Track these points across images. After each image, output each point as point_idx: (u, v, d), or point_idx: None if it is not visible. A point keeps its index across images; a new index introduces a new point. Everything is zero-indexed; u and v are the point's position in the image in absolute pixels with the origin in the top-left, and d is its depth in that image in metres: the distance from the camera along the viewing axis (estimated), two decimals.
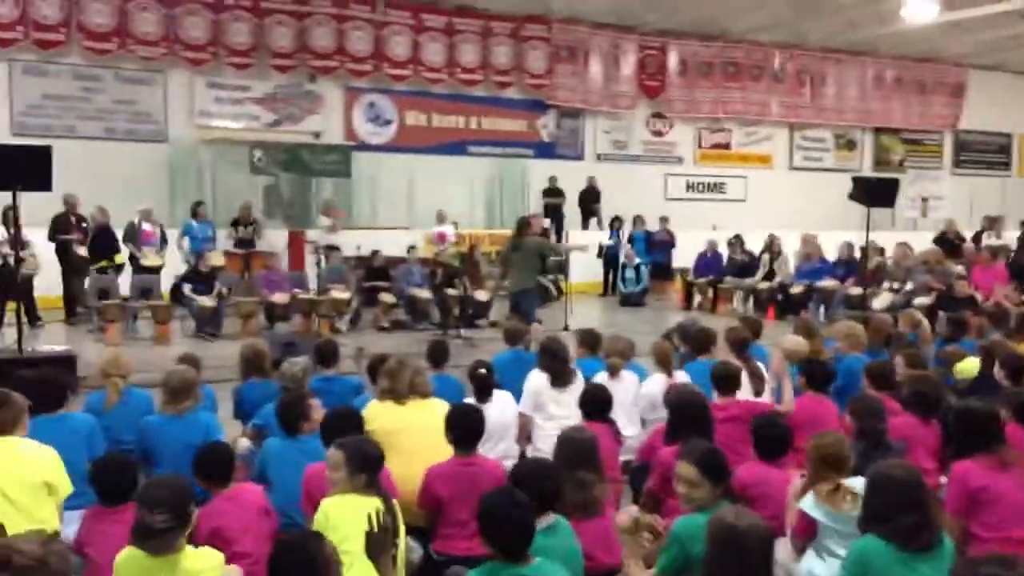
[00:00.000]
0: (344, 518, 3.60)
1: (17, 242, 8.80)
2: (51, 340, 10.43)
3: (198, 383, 5.41)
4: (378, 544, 3.41)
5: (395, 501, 3.91)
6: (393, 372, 5.35)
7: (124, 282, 12.21)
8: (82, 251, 12.11)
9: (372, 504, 3.67)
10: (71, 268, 12.19)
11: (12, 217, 8.75)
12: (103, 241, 12.30)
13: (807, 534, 3.92)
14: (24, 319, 9.32)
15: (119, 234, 12.62)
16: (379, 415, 5.19)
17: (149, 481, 3.58)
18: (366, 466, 3.77)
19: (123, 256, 12.31)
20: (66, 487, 4.25)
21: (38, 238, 11.94)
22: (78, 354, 8.12)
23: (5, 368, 6.56)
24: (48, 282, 12.16)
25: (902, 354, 6.39)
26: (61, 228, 12.18)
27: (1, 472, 4.02)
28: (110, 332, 10.98)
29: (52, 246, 12.20)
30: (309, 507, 4.19)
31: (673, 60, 19.86)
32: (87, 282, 12.04)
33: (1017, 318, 8.07)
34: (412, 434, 5.03)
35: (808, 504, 3.91)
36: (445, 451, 4.67)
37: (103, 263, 12.14)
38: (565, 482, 4.14)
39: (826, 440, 4.08)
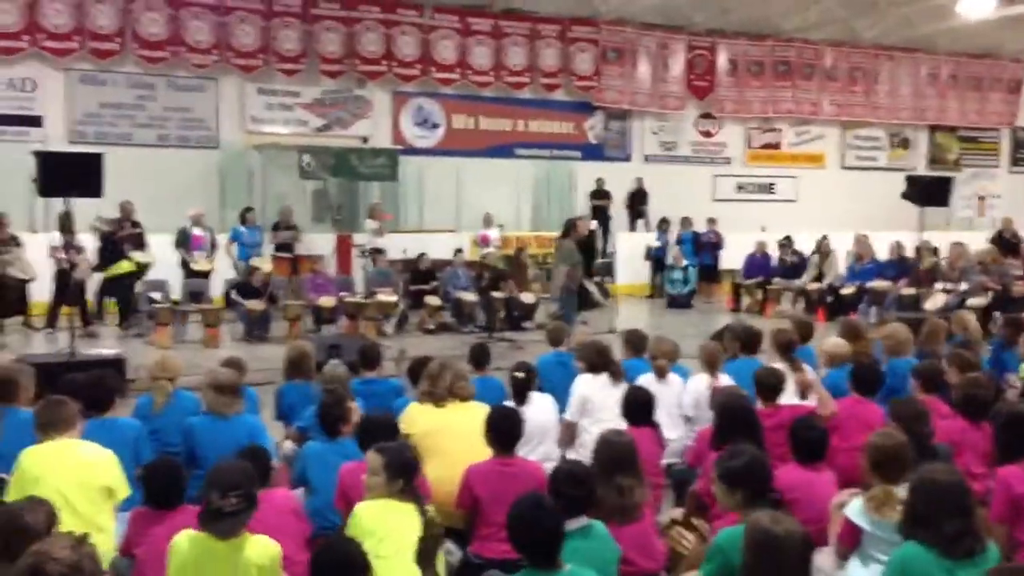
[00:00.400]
0: (379, 523, 3.61)
1: (71, 247, 8.98)
2: (102, 344, 10.63)
3: (241, 385, 5.47)
4: (428, 552, 3.43)
5: (429, 507, 3.91)
6: (434, 375, 5.38)
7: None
8: (136, 256, 12.33)
9: (407, 510, 3.69)
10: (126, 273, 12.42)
11: (66, 223, 8.95)
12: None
13: (852, 543, 3.84)
14: (76, 323, 9.55)
15: (171, 239, 12.85)
16: (418, 417, 5.23)
17: (217, 466, 3.65)
18: (403, 472, 3.79)
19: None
20: (124, 490, 4.29)
21: (92, 244, 12.21)
22: (128, 357, 8.27)
23: (55, 371, 6.69)
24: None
25: (953, 356, 6.24)
26: (115, 234, 12.38)
27: (61, 475, 4.03)
28: (161, 336, 11.18)
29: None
30: (342, 505, 4.22)
31: (722, 60, 19.66)
32: (139, 287, 12.26)
33: None
34: (450, 436, 5.04)
35: (853, 511, 3.83)
36: (483, 453, 4.67)
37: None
38: (602, 486, 4.12)
39: (887, 442, 3.97)
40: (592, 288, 10.67)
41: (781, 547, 3.06)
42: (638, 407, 5.30)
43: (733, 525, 3.62)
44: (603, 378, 5.99)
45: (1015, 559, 3.87)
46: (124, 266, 12.09)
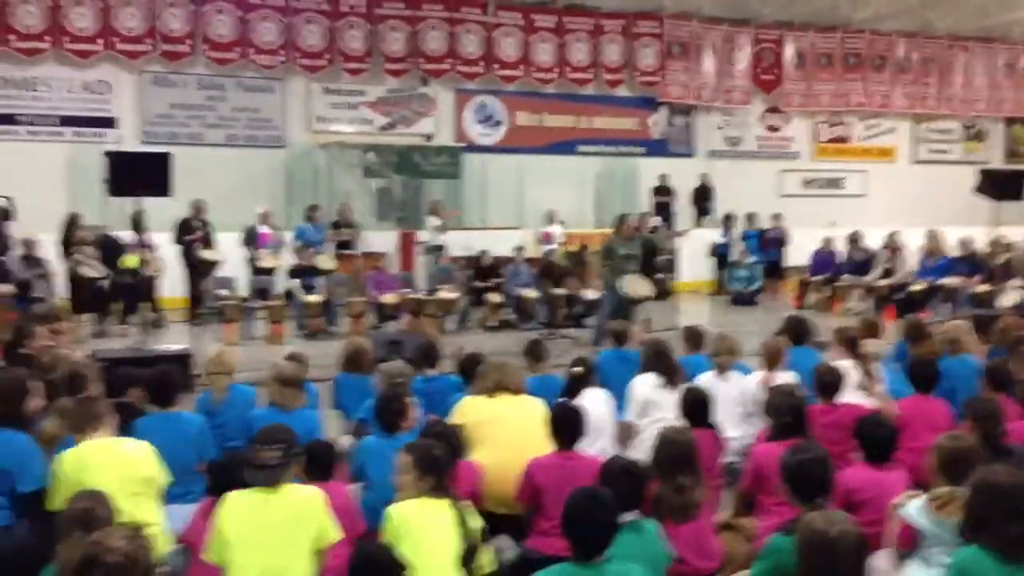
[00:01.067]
0: (414, 524, 3.64)
1: (143, 246, 9.21)
2: (173, 339, 10.90)
3: (303, 380, 5.57)
4: (470, 556, 3.48)
5: (466, 504, 3.94)
6: (485, 371, 5.51)
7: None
8: (205, 254, 12.62)
9: (441, 507, 3.72)
10: (194, 270, 12.72)
11: (139, 221, 9.18)
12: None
13: (910, 544, 3.75)
14: (147, 319, 9.78)
15: (239, 237, 13.11)
16: (469, 408, 5.33)
17: (262, 428, 3.95)
18: (433, 468, 3.82)
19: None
20: (163, 478, 4.41)
21: (164, 242, 12.52)
22: (195, 353, 8.46)
23: (123, 366, 6.88)
24: (174, 283, 12.75)
25: (1021, 355, 6.07)
26: (185, 232, 12.70)
27: (103, 474, 4.12)
28: (228, 331, 11.42)
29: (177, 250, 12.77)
30: None
31: (789, 52, 19.33)
32: (208, 284, 12.55)
33: None
34: (500, 425, 5.13)
35: (913, 511, 3.75)
36: (533, 443, 4.73)
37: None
38: (662, 484, 4.10)
39: (955, 444, 3.88)
40: (628, 289, 10.48)
41: (834, 548, 3.02)
42: (696, 407, 5.26)
43: (781, 523, 3.58)
44: (660, 378, 5.96)
45: None
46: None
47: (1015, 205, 14.15)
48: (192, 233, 12.68)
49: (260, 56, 15.69)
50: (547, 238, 15.28)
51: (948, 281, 13.43)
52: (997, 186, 11.59)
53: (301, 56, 15.93)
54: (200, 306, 12.74)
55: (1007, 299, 12.14)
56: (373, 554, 3.39)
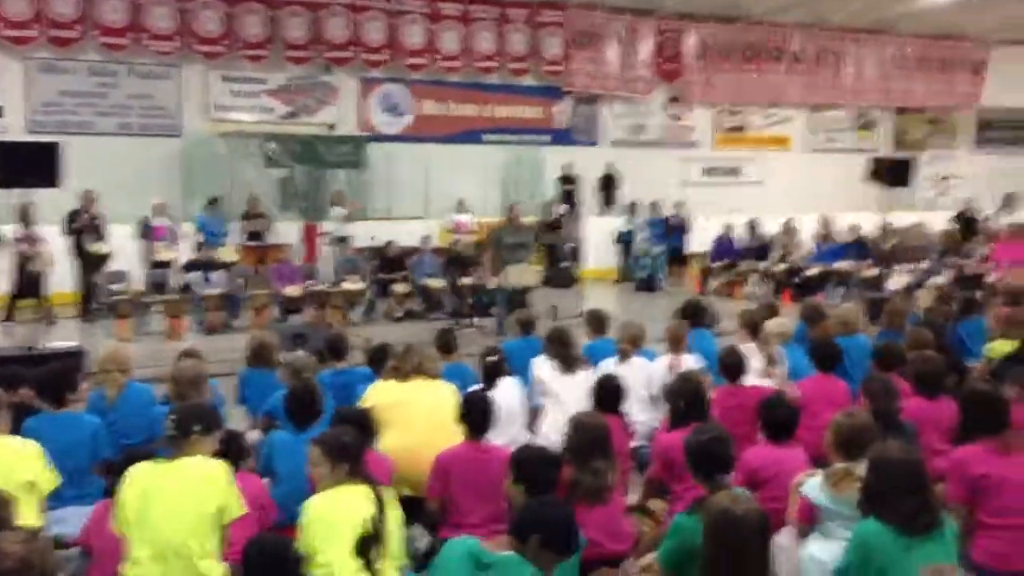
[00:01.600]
0: (329, 516, 3.58)
1: (30, 239, 8.83)
2: (63, 336, 10.49)
3: (207, 377, 5.43)
4: (368, 547, 3.43)
5: (385, 487, 3.90)
6: (400, 354, 5.53)
7: None
8: (94, 247, 12.16)
9: (359, 494, 3.67)
10: (85, 264, 12.26)
11: (26, 213, 8.80)
12: None
13: (809, 519, 3.87)
14: (37, 315, 9.39)
15: (133, 229, 12.69)
16: (380, 392, 5.37)
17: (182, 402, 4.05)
18: (344, 456, 3.76)
19: None
20: (49, 481, 4.24)
21: (52, 235, 12.03)
22: (88, 350, 8.17)
23: (13, 364, 6.59)
24: (64, 278, 12.27)
25: (908, 335, 6.34)
26: (74, 223, 12.22)
27: None
28: (121, 327, 11.05)
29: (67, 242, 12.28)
30: None
31: (691, 43, 19.64)
32: (99, 278, 12.11)
33: (1009, 294, 7.95)
34: (410, 408, 5.16)
35: (811, 488, 3.87)
36: (443, 426, 4.77)
37: None
38: (576, 468, 4.13)
39: (851, 421, 4.00)
40: (511, 279, 10.60)
41: (740, 527, 3.08)
42: (607, 394, 5.31)
43: (690, 506, 3.65)
44: (559, 364, 6.01)
45: (975, 540, 3.91)
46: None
47: (903, 191, 14.77)
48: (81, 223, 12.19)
49: (154, 42, 15.16)
50: (459, 227, 15.22)
51: (840, 265, 13.93)
52: (887, 174, 12.05)
53: (198, 42, 15.46)
54: (92, 301, 12.29)
55: (895, 282, 12.67)
56: (266, 545, 3.31)
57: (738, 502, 3.16)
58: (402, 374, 5.39)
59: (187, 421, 3.74)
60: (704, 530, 3.19)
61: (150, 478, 3.61)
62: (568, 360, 5.99)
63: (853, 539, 3.43)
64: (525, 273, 10.92)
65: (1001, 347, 6.59)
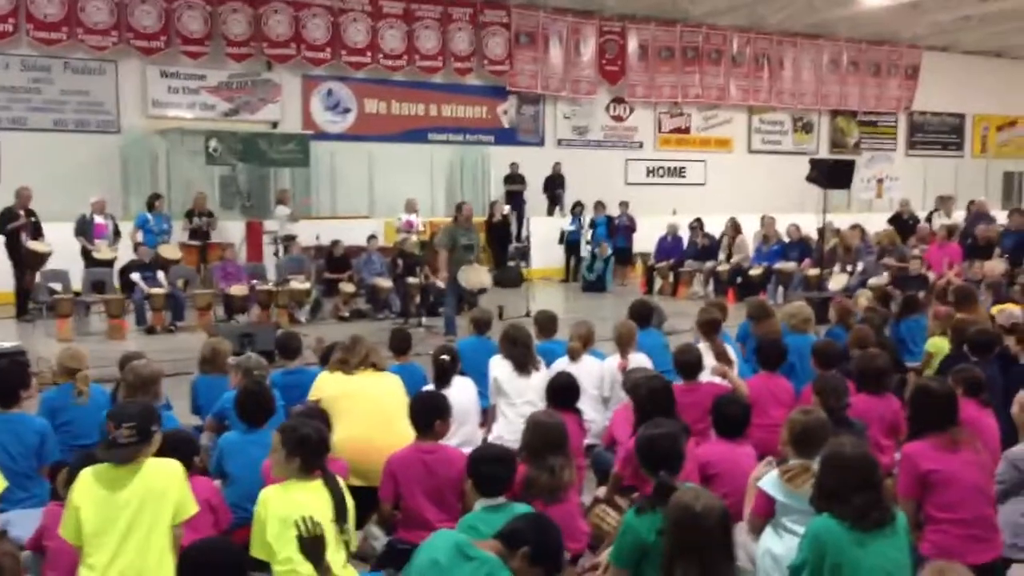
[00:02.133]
0: (283, 513, 3.55)
1: None
2: (1, 337, 10.18)
3: (161, 378, 5.32)
4: (312, 549, 3.39)
5: (342, 481, 3.86)
6: (348, 346, 5.49)
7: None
8: (32, 245, 11.84)
9: (312, 490, 3.64)
10: (21, 263, 11.93)
11: None
12: None
13: (766, 514, 3.94)
14: None
15: (70, 227, 12.37)
16: (326, 384, 5.34)
17: (119, 403, 3.94)
18: (298, 449, 3.71)
19: None
20: None
21: None
22: (28, 350, 7.97)
23: None
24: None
25: (851, 333, 6.49)
26: (9, 222, 11.88)
27: None
28: (61, 327, 10.79)
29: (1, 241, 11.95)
30: None
31: (633, 45, 19.86)
32: (38, 277, 11.79)
33: (954, 292, 8.19)
34: (357, 399, 5.14)
35: (768, 483, 3.93)
36: (391, 417, 4.85)
37: None
38: (534, 467, 4.15)
39: (807, 419, 4.06)
40: (466, 280, 10.58)
41: (702, 523, 3.12)
42: (562, 392, 5.34)
43: (639, 503, 3.68)
44: (514, 364, 6.02)
45: (923, 534, 4.01)
46: None
47: (841, 193, 15.08)
48: (16, 221, 11.86)
49: (90, 36, 14.83)
50: (408, 227, 15.14)
51: (782, 265, 14.19)
52: (826, 175, 12.27)
53: (135, 37, 15.16)
54: (29, 301, 11.96)
55: (835, 282, 12.94)
56: (205, 551, 3.22)
57: (699, 498, 3.19)
58: (350, 366, 5.37)
59: (146, 424, 3.64)
60: (666, 527, 3.22)
61: (106, 484, 3.52)
62: (523, 360, 5.99)
63: (807, 535, 3.48)
64: (480, 274, 10.89)
65: (942, 344, 6.76)
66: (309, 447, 3.74)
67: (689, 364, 5.62)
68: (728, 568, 3.15)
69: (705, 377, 5.76)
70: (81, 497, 3.50)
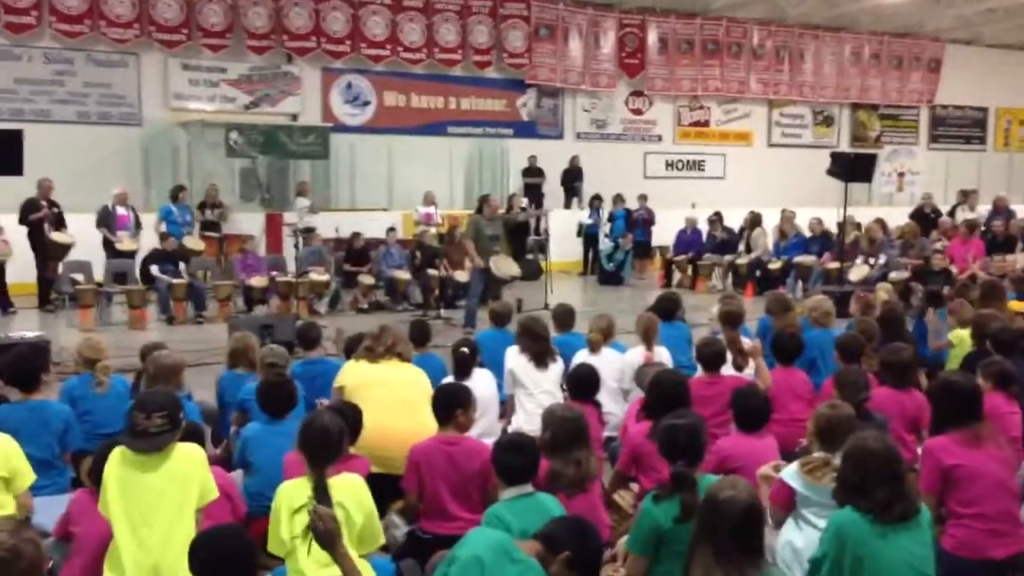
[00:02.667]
0: (293, 503, 3.56)
1: None
2: (24, 326, 10.30)
3: (184, 368, 5.36)
4: (325, 538, 3.34)
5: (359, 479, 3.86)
6: (375, 334, 5.50)
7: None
8: (55, 236, 11.93)
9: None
10: (44, 254, 12.02)
11: None
12: None
13: (786, 506, 3.92)
14: None
15: (92, 219, 12.47)
16: (351, 371, 5.36)
17: (145, 392, 3.99)
18: (304, 446, 3.72)
19: None
20: (26, 476, 4.15)
21: (10, 224, 11.80)
22: (51, 340, 8.05)
23: None
24: (22, 268, 12.03)
25: (856, 326, 6.46)
26: (31, 212, 11.96)
27: None
28: (84, 318, 10.88)
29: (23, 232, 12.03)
30: None
31: (652, 38, 19.78)
32: (60, 268, 11.89)
33: (980, 287, 8.12)
34: (380, 387, 5.15)
35: (788, 474, 3.92)
36: (413, 406, 4.87)
37: None
38: (558, 460, 4.14)
39: (833, 412, 4.05)
40: (497, 269, 10.65)
41: (720, 511, 3.09)
42: (582, 383, 5.33)
43: (657, 490, 3.68)
44: (531, 357, 6.02)
45: (945, 528, 3.99)
46: None
47: (862, 187, 14.99)
48: (38, 212, 11.94)
49: (112, 29, 14.93)
50: (427, 219, 15.15)
51: (802, 259, 14.12)
52: (847, 168, 12.18)
53: (157, 30, 15.25)
54: (51, 292, 12.06)
55: (855, 273, 12.87)
56: (218, 538, 3.19)
57: (723, 489, 3.17)
58: (375, 355, 5.39)
59: (176, 412, 3.68)
60: (698, 518, 3.21)
61: (137, 468, 3.57)
62: (540, 352, 5.99)
63: (829, 528, 3.47)
64: (508, 264, 10.95)
65: (964, 335, 6.70)
66: (316, 446, 3.74)
67: (712, 356, 5.61)
68: (750, 562, 3.11)
69: (726, 370, 5.74)
70: (111, 480, 3.57)
